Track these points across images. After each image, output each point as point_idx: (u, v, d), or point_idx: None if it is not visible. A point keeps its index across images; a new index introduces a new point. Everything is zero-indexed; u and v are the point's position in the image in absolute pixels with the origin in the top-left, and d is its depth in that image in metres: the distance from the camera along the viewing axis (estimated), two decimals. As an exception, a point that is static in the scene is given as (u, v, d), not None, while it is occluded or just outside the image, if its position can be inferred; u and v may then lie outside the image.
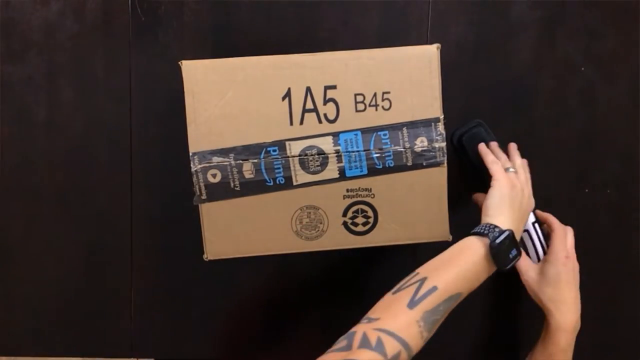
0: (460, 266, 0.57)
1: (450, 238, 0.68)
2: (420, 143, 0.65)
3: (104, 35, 0.74)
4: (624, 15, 0.73)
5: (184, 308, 0.78)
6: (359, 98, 0.65)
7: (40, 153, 0.75)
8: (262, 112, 0.65)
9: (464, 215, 0.75)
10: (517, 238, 0.61)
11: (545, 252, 0.71)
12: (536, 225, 0.72)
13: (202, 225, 0.67)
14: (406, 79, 0.65)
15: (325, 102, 0.65)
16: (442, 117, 0.65)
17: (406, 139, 0.65)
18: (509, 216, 0.61)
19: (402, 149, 0.65)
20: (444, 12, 0.73)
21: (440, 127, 0.65)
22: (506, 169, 0.65)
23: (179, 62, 0.65)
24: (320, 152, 0.65)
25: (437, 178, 0.67)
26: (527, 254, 0.72)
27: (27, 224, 0.76)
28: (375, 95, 0.65)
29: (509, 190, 0.62)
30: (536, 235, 0.73)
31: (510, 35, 0.74)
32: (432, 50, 0.65)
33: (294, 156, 0.65)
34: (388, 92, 0.65)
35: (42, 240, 0.77)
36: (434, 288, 0.55)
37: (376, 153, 0.66)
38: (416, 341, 0.53)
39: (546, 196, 0.75)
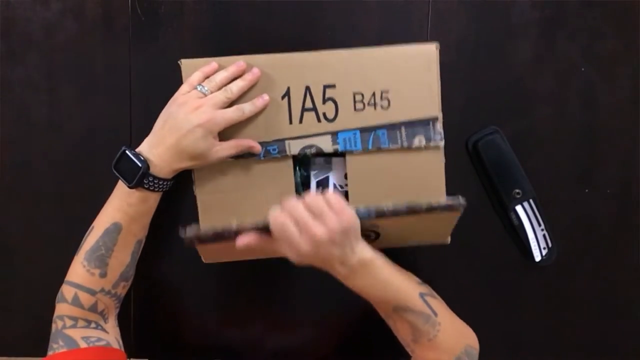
0: (109, 201, 0.65)
1: (448, 240, 0.68)
2: (419, 142, 0.65)
3: (104, 35, 0.74)
4: (624, 15, 0.73)
5: (183, 309, 0.78)
6: (358, 97, 0.65)
7: (40, 153, 0.75)
8: (261, 112, 0.65)
9: (463, 214, 0.75)
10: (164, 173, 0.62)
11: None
12: None
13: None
14: (405, 77, 0.65)
15: (325, 101, 0.65)
16: (440, 116, 0.65)
17: (404, 138, 0.65)
18: (149, 142, 0.63)
19: (400, 148, 0.65)
20: (444, 12, 0.73)
21: (439, 126, 0.65)
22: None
23: (179, 61, 0.65)
24: (319, 151, 0.65)
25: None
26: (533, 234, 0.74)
27: (27, 224, 0.76)
28: (374, 94, 0.65)
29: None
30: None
31: (510, 35, 0.74)
32: (431, 49, 0.64)
33: (293, 155, 0.65)
34: (387, 91, 0.65)
35: (42, 240, 0.77)
36: (91, 228, 0.65)
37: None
38: (84, 277, 0.64)
39: (546, 196, 0.75)
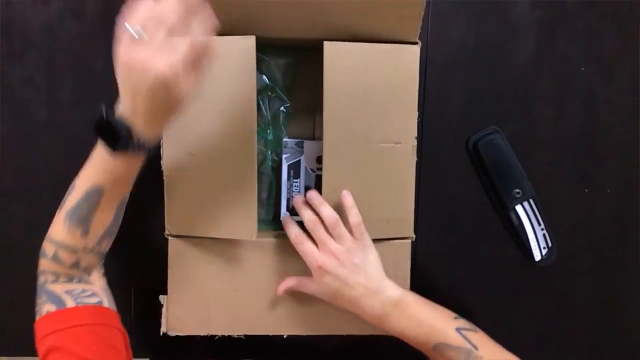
0: (88, 162, 0.59)
1: (413, 236, 0.67)
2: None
3: (104, 35, 0.74)
4: (624, 15, 0.73)
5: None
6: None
7: (40, 153, 0.75)
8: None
9: (464, 214, 0.75)
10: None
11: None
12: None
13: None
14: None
15: None
16: (416, 114, 0.65)
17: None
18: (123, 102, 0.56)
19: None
20: (444, 12, 0.73)
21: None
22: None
23: None
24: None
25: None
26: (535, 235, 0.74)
27: (27, 224, 0.76)
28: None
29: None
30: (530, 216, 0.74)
31: (510, 35, 0.74)
32: (413, 49, 0.64)
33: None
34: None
35: (42, 240, 0.76)
36: (73, 186, 0.61)
37: None
38: (66, 235, 0.60)
39: (546, 196, 0.75)
